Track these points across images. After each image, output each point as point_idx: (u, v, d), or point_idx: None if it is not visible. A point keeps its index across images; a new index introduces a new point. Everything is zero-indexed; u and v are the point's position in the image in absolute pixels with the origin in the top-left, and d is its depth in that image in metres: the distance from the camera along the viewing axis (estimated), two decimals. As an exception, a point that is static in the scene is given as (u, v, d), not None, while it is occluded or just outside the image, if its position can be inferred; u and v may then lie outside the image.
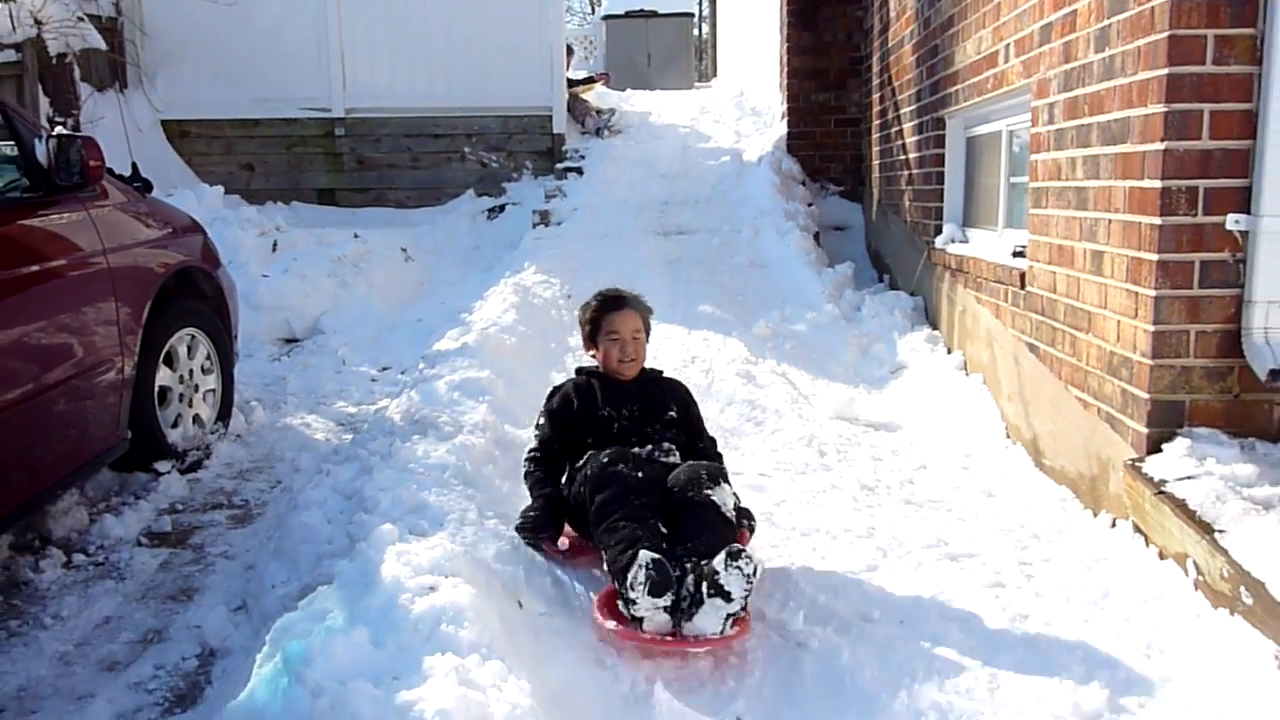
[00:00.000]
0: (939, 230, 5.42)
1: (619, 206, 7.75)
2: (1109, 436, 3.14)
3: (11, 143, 3.38)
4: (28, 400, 3.08)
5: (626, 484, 2.74)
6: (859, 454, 4.15)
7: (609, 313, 3.17)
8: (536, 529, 2.91)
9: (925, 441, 4.32)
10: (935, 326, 5.49)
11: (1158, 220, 2.82)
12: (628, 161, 8.58)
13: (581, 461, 2.97)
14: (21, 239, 3.21)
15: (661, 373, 3.36)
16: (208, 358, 4.41)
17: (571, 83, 10.14)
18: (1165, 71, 2.77)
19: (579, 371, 3.28)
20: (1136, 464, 2.88)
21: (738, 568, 2.36)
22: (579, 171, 8.59)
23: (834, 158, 8.55)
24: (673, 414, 3.16)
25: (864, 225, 8.04)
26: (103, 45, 8.24)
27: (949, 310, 5.20)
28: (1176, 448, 2.81)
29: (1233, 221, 2.78)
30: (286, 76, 9.21)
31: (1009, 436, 4.14)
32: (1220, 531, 2.42)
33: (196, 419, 4.34)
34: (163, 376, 4.07)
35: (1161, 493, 2.69)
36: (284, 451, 4.51)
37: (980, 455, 4.08)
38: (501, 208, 8.91)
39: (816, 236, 7.39)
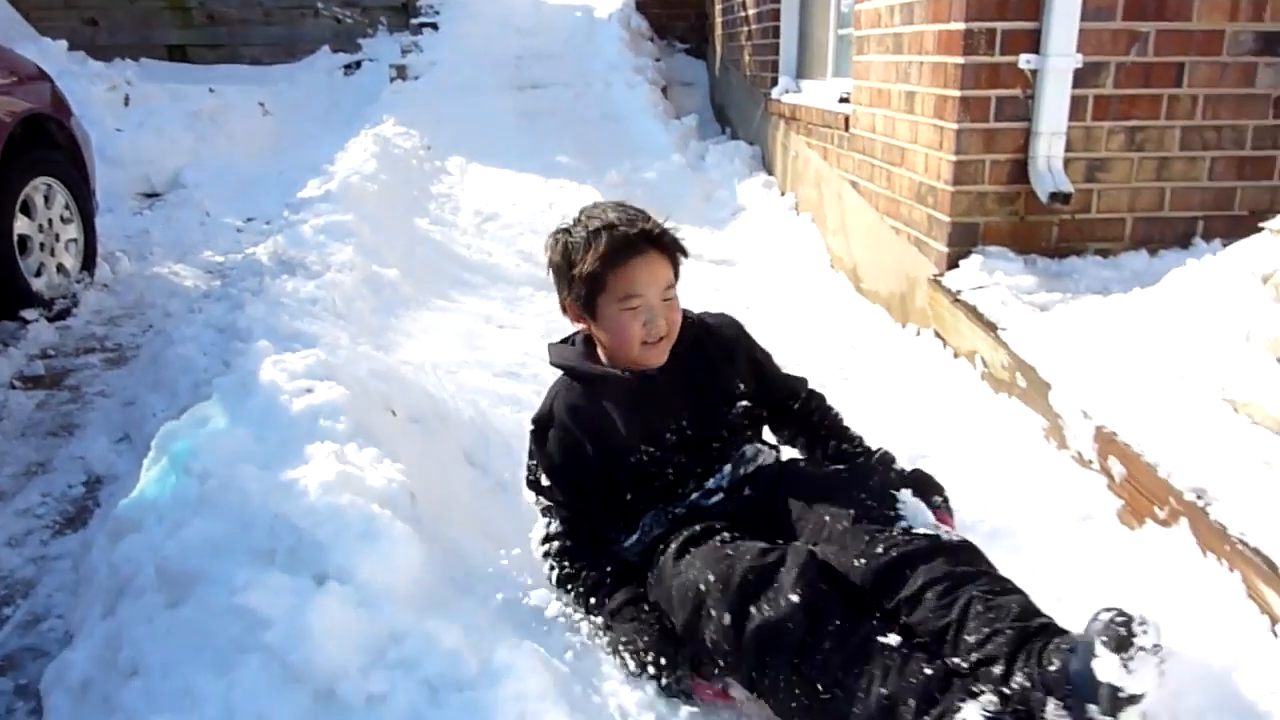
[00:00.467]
0: (775, 82, 5.49)
1: (475, 61, 7.49)
2: (916, 258, 3.34)
3: None
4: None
5: (767, 591, 1.49)
6: (703, 285, 4.27)
7: (622, 262, 1.75)
8: (671, 666, 1.58)
9: (761, 274, 4.50)
10: (771, 172, 5.61)
11: (961, 60, 2.95)
12: (483, 17, 8.24)
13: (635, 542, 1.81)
14: None
15: (698, 317, 1.97)
16: (66, 207, 4.15)
17: None
18: (971, -80, 2.86)
19: (565, 373, 1.92)
20: (938, 278, 3.09)
21: (1136, 647, 1.25)
22: (434, 27, 8.21)
23: (680, 15, 8.45)
24: (743, 396, 1.90)
25: (708, 80, 8.03)
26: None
27: (783, 156, 5.32)
28: (971, 263, 3.03)
29: (1025, 61, 2.93)
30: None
31: (833, 266, 4.35)
32: (1003, 329, 2.65)
33: (60, 268, 4.11)
34: (21, 226, 3.82)
35: (957, 301, 2.91)
36: (153, 298, 4.33)
37: (807, 283, 4.28)
38: (358, 64, 8.50)
39: (664, 90, 7.36)
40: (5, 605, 2.19)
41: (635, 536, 1.80)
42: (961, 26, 2.92)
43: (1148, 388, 2.07)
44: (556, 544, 1.80)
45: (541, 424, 1.86)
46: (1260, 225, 2.04)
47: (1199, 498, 1.78)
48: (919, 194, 3.31)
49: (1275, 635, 1.57)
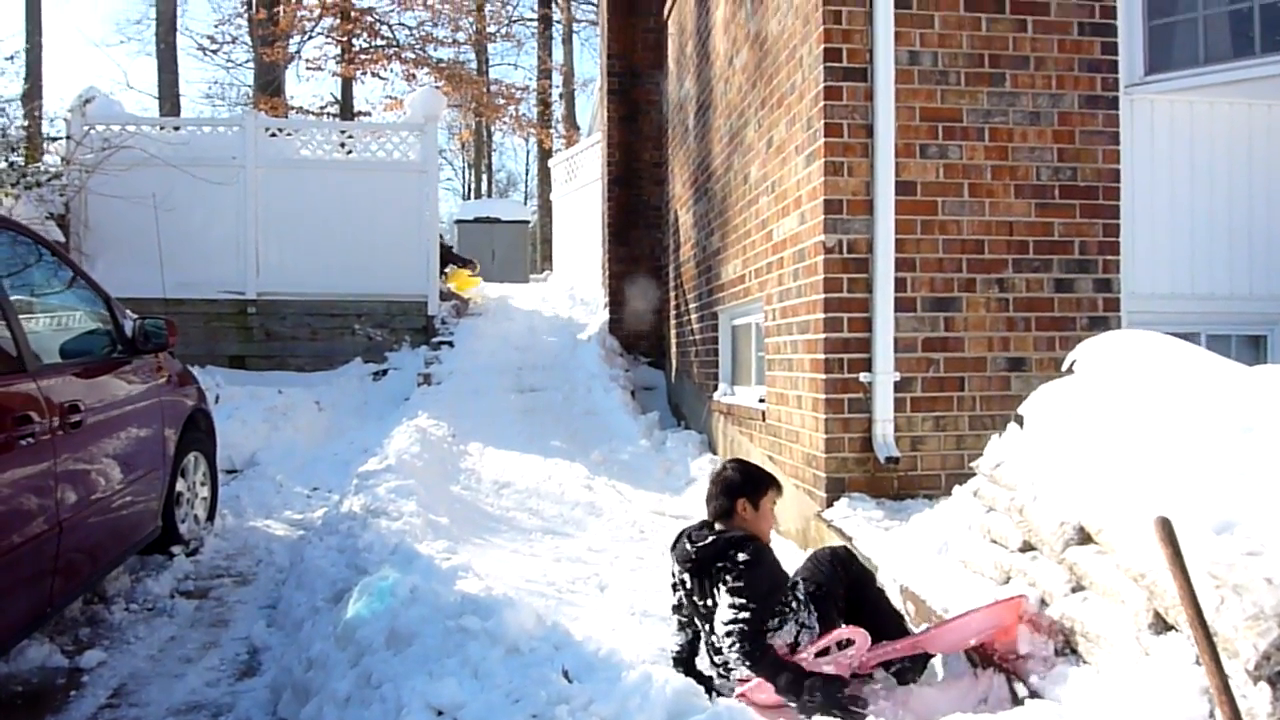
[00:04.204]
0: (716, 387, 7.18)
1: (485, 370, 9.21)
2: (808, 502, 4.78)
3: (110, 322, 4.58)
4: (123, 489, 4.20)
5: None
6: (666, 532, 5.65)
7: (776, 491, 3.42)
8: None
9: (708, 524, 5.89)
10: (715, 452, 7.17)
11: (824, 376, 4.57)
12: (488, 337, 10.10)
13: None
14: (120, 382, 4.39)
15: None
16: (203, 474, 5.52)
17: (460, 260, 11.92)
18: (823, 296, 4.58)
19: (748, 537, 3.18)
20: (821, 514, 4.52)
21: None
22: (450, 344, 10.02)
23: (644, 337, 10.39)
24: None
25: (666, 386, 9.82)
26: (62, 238, 9.21)
27: (723, 440, 6.89)
28: (841, 503, 4.46)
29: (863, 377, 4.56)
30: (209, 265, 10.25)
31: (760, 517, 5.77)
32: (857, 540, 4.05)
33: (195, 518, 5.40)
34: (179, 485, 5.16)
35: (831, 525, 4.33)
36: (255, 542, 5.59)
37: (742, 529, 5.68)
38: (385, 371, 10.16)
39: (633, 393, 9.08)
40: (219, 715, 3.35)
41: None
42: (822, 357, 4.57)
43: (927, 563, 3.47)
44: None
45: (762, 547, 3.16)
46: (972, 467, 3.52)
47: (945, 611, 3.13)
48: (808, 460, 4.82)
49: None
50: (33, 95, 13.31)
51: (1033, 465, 3.00)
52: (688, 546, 3.24)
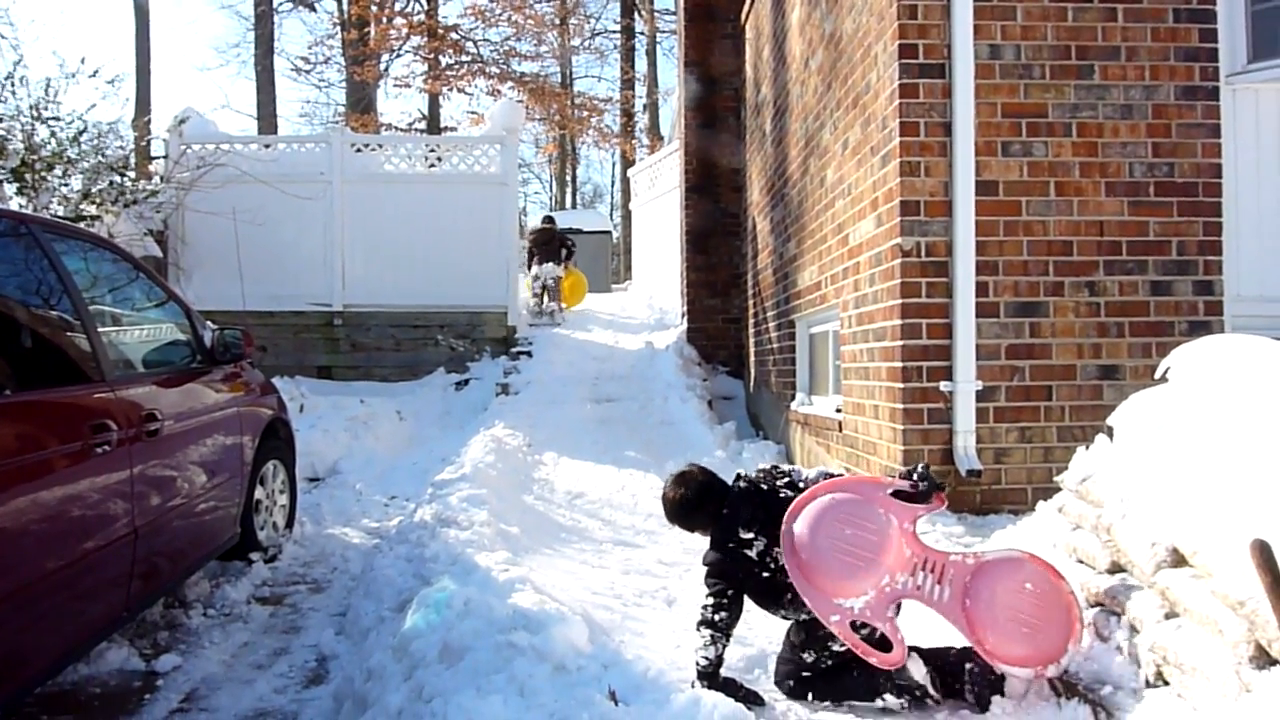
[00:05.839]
0: (793, 397, 7.02)
1: (562, 381, 9.23)
2: (886, 517, 4.59)
3: (190, 333, 4.70)
4: (201, 496, 4.29)
5: None
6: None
7: None
8: None
9: (784, 537, 5.74)
10: (792, 463, 6.99)
11: (902, 386, 4.40)
12: (567, 347, 10.13)
13: None
14: (199, 391, 4.49)
15: None
16: (282, 481, 5.63)
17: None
18: (900, 302, 4.41)
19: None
20: (898, 529, 4.33)
21: None
22: (529, 354, 10.09)
23: (722, 346, 10.27)
24: None
25: (744, 395, 9.67)
26: (159, 254, 9.59)
27: (800, 451, 6.73)
28: (922, 519, 4.27)
29: (944, 386, 4.37)
30: (298, 278, 10.61)
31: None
32: (934, 558, 3.86)
33: (274, 525, 5.50)
34: (258, 493, 5.27)
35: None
36: (332, 550, 5.67)
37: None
38: (466, 381, 10.30)
39: (710, 403, 8.96)
40: (288, 722, 3.38)
41: None
42: (900, 365, 4.40)
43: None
44: None
45: None
46: (1058, 481, 3.31)
47: (1025, 637, 2.94)
48: (885, 473, 4.64)
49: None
50: (140, 116, 13.98)
51: (1122, 480, 2.80)
52: None
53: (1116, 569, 2.78)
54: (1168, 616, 2.48)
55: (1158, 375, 2.99)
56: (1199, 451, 2.50)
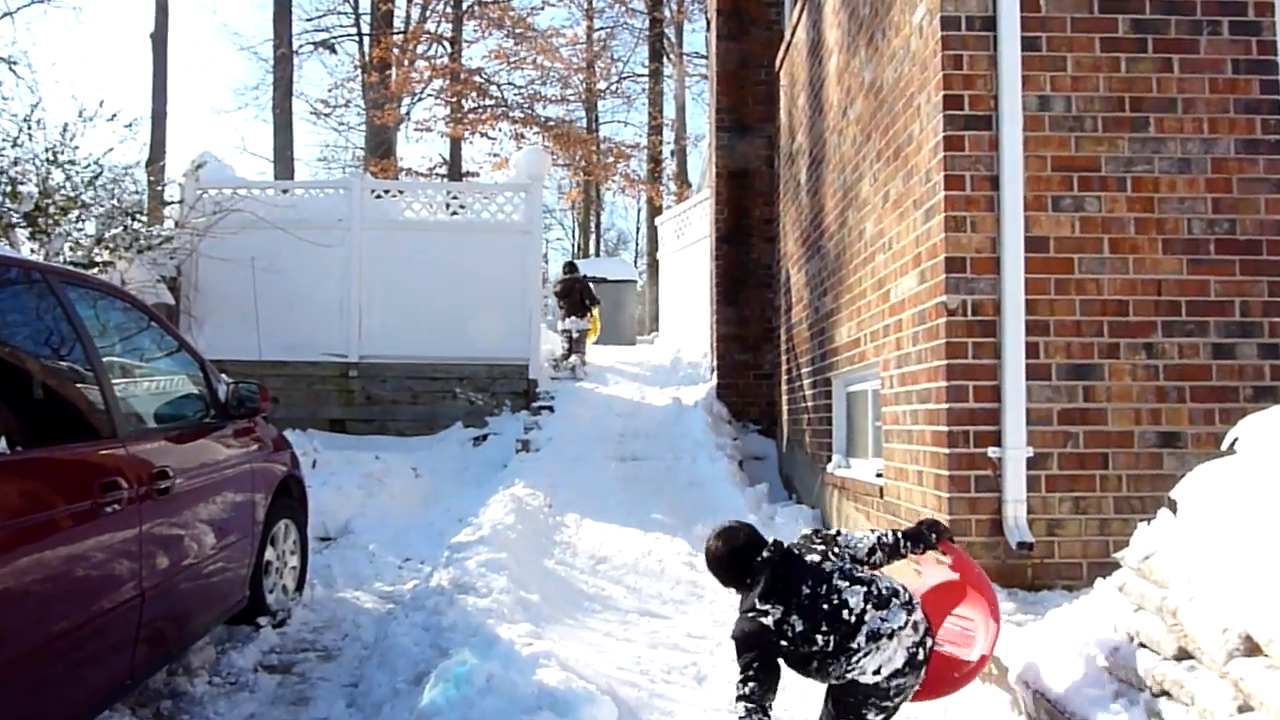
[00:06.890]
0: (829, 459, 6.97)
1: (585, 438, 9.23)
2: (931, 591, 4.52)
3: (204, 386, 4.75)
4: (210, 558, 4.30)
5: None
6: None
7: None
8: None
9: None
10: (827, 529, 6.90)
11: (947, 451, 4.35)
12: (590, 401, 10.14)
13: None
14: (212, 447, 4.53)
15: None
16: (293, 542, 5.63)
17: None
18: (945, 363, 4.39)
19: None
20: (944, 604, 4.26)
21: None
22: (550, 409, 10.11)
23: (753, 403, 10.24)
24: None
25: (776, 455, 9.61)
26: (172, 301, 9.75)
27: (837, 517, 6.66)
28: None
29: (992, 452, 4.32)
30: (313, 327, 10.72)
31: (878, 604, 5.50)
32: (984, 637, 3.78)
33: (284, 588, 5.50)
34: (268, 554, 5.27)
35: (955, 619, 4.07)
36: (343, 615, 5.65)
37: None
38: (485, 437, 10.32)
39: (740, 463, 8.92)
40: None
41: None
42: (945, 429, 4.36)
43: (1065, 665, 3.20)
44: None
45: None
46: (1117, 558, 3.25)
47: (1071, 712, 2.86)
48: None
49: None
50: (156, 160, 14.31)
51: (1189, 559, 2.74)
52: None
53: (1184, 655, 2.71)
54: (1241, 710, 2.41)
55: (1225, 446, 2.94)
56: (1273, 530, 2.45)
